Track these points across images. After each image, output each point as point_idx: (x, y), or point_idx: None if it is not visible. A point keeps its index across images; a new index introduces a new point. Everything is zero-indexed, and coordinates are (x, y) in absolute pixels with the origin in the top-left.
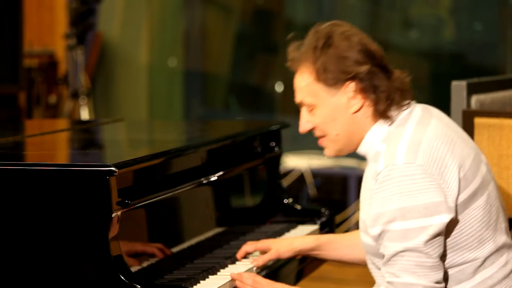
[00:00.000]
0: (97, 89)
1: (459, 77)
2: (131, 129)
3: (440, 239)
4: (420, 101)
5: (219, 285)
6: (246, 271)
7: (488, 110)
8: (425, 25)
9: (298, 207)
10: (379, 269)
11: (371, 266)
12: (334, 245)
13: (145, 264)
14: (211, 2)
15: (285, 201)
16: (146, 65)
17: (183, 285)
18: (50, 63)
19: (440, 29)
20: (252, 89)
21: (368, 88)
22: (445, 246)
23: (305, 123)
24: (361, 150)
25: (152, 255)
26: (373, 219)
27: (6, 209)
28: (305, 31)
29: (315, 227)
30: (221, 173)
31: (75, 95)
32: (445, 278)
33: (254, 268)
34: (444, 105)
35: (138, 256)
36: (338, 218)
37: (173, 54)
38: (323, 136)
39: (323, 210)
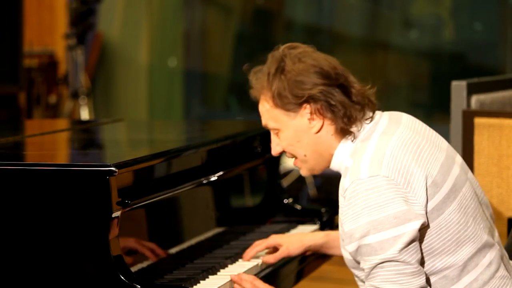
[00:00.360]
0: (97, 89)
1: (459, 77)
2: (131, 129)
3: (415, 245)
4: (420, 101)
5: (219, 285)
6: (249, 269)
7: (488, 110)
8: (425, 25)
9: (298, 207)
10: (363, 282)
11: (356, 279)
12: None
13: (145, 264)
14: (211, 2)
15: (285, 201)
16: (146, 65)
17: (183, 285)
18: (50, 63)
19: (440, 29)
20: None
21: (324, 108)
22: (423, 253)
23: (275, 146)
24: (333, 167)
25: (152, 255)
26: (347, 236)
27: (6, 209)
28: (305, 31)
29: (315, 227)
30: (221, 173)
31: (75, 95)
32: (430, 286)
33: (260, 264)
34: (444, 105)
35: (138, 256)
36: (338, 218)
37: (173, 54)
38: (294, 158)
39: (323, 210)
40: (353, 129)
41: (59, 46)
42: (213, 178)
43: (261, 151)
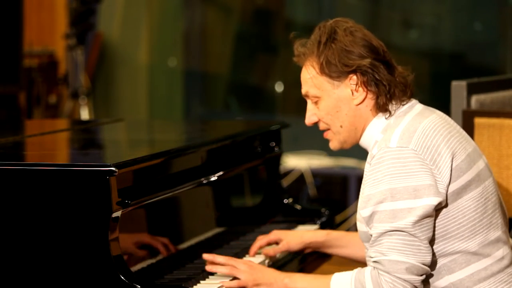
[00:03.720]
0: (97, 89)
1: (459, 77)
2: (131, 129)
3: (429, 221)
4: (420, 101)
5: (219, 285)
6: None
7: (488, 110)
8: (425, 25)
9: (298, 207)
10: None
11: (368, 259)
12: (344, 242)
13: (145, 264)
14: (211, 2)
15: (285, 201)
16: (146, 65)
17: (183, 285)
18: (50, 63)
19: (440, 29)
20: (252, 89)
21: (370, 81)
22: (436, 234)
23: (310, 115)
24: (363, 142)
25: (152, 255)
26: (364, 200)
27: (6, 209)
28: (305, 31)
29: (315, 227)
30: (221, 173)
31: (75, 95)
32: (437, 267)
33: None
34: (444, 105)
35: (138, 256)
36: (338, 218)
37: (173, 54)
38: (327, 129)
39: (323, 210)
40: (391, 107)
41: (59, 46)
42: (213, 178)
43: (261, 151)
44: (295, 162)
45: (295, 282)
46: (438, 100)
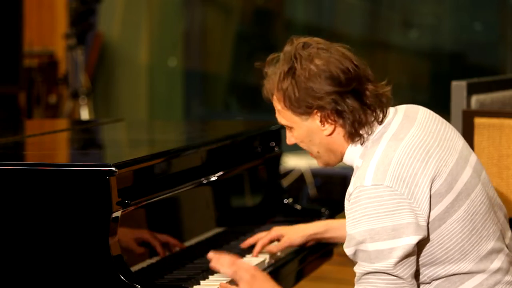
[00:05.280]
0: (97, 89)
1: (459, 77)
2: (131, 129)
3: (411, 259)
4: (420, 101)
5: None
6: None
7: (488, 110)
8: (425, 25)
9: (298, 207)
10: None
11: None
12: (344, 231)
13: (145, 264)
14: (211, 2)
15: (285, 201)
16: (146, 65)
17: (183, 285)
18: (50, 63)
19: (440, 29)
20: (252, 89)
21: (334, 114)
22: (425, 262)
23: (289, 137)
24: (346, 162)
25: (152, 255)
26: (347, 239)
27: (6, 209)
28: (305, 31)
29: None
30: (221, 173)
31: (75, 95)
32: None
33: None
34: (444, 105)
35: (138, 256)
36: (338, 218)
37: (173, 54)
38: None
39: (323, 210)
40: (363, 132)
41: (59, 46)
42: (213, 178)
43: (261, 151)
44: (295, 162)
45: None
46: (438, 100)
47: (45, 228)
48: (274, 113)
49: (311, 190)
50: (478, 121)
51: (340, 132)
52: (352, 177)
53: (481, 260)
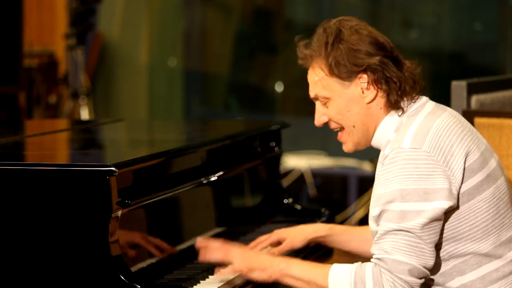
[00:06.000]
0: (97, 89)
1: (459, 77)
2: (131, 129)
3: (437, 225)
4: None
5: (219, 285)
6: None
7: (488, 110)
8: (425, 25)
9: (298, 207)
10: None
11: None
12: (346, 236)
13: (145, 264)
14: (211, 2)
15: (285, 201)
16: (146, 65)
17: (183, 285)
18: (50, 63)
19: (440, 29)
20: (252, 89)
21: (380, 79)
22: (447, 236)
23: (320, 116)
24: (375, 142)
25: (152, 255)
26: (375, 200)
27: (6, 209)
28: (305, 31)
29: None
30: (221, 173)
31: (75, 95)
32: (448, 269)
33: None
34: (444, 105)
35: (138, 256)
36: (338, 218)
37: (173, 54)
38: (338, 129)
39: (323, 210)
40: (403, 103)
41: (59, 46)
42: (213, 178)
43: (261, 151)
44: (295, 162)
45: (291, 268)
46: (438, 100)
47: (45, 228)
48: (275, 113)
49: (311, 190)
50: (478, 121)
51: (379, 102)
52: (382, 150)
53: (500, 245)
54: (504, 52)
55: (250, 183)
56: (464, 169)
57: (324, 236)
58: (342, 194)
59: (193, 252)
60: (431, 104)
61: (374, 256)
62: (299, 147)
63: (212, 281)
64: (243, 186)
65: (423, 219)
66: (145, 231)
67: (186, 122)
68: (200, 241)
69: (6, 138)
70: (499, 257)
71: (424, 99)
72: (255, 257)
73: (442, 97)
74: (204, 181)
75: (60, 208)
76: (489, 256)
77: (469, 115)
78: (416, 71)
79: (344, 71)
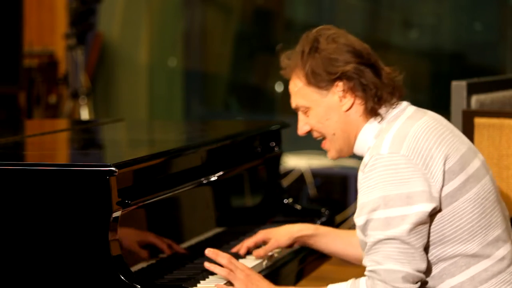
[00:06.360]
0: (97, 89)
1: (459, 77)
2: (131, 129)
3: (424, 228)
4: (420, 101)
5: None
6: (252, 268)
7: (488, 110)
8: (425, 25)
9: (298, 207)
10: None
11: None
12: (331, 238)
13: (145, 264)
14: (211, 2)
15: (285, 201)
16: (146, 65)
17: (183, 285)
18: (50, 63)
19: (440, 29)
20: (252, 89)
21: (356, 87)
22: (433, 239)
23: (302, 125)
24: (357, 149)
25: (152, 255)
26: (359, 209)
27: (6, 209)
28: (305, 31)
29: None
30: (221, 173)
31: (75, 95)
32: (438, 272)
33: (264, 263)
34: (444, 105)
35: (138, 256)
36: (338, 218)
37: (173, 54)
38: (322, 138)
39: (323, 210)
40: (381, 110)
41: (59, 46)
42: (213, 178)
43: (261, 151)
44: (295, 162)
45: None
46: (438, 100)
47: (45, 228)
48: (275, 113)
49: (311, 190)
50: (478, 121)
51: (358, 110)
52: (361, 166)
53: (488, 245)
54: (504, 52)
55: (250, 183)
56: (444, 171)
57: (309, 236)
58: (342, 194)
59: (193, 252)
60: (411, 109)
61: (367, 269)
62: (299, 147)
63: (212, 281)
64: (243, 186)
65: (408, 224)
66: (145, 231)
67: (186, 122)
68: (208, 251)
69: (6, 138)
70: (487, 256)
71: (404, 104)
72: (256, 282)
73: (442, 97)
74: (204, 181)
75: (60, 208)
76: (477, 257)
77: (469, 115)
78: (397, 78)
79: (320, 80)
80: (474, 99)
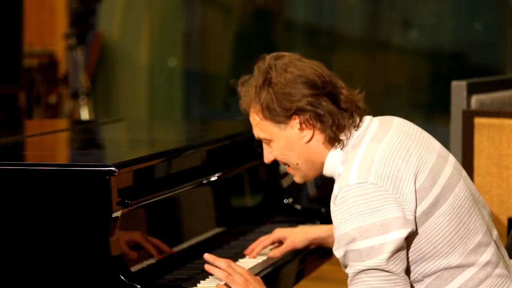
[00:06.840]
0: (97, 89)
1: (459, 77)
2: (131, 129)
3: (402, 254)
4: (420, 101)
5: None
6: (251, 268)
7: (488, 110)
8: (425, 25)
9: (298, 207)
10: None
11: None
12: None
13: (145, 264)
14: (211, 2)
15: (285, 201)
16: (146, 65)
17: (183, 285)
18: (50, 63)
19: (440, 29)
20: None
21: (313, 118)
22: (414, 258)
23: (267, 154)
24: (326, 173)
25: (152, 255)
26: (336, 241)
27: (6, 209)
28: (305, 31)
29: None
30: (221, 173)
31: (75, 95)
32: (424, 287)
33: (262, 262)
34: (444, 105)
35: (138, 256)
36: None
37: (173, 54)
38: (287, 165)
39: (323, 210)
40: (342, 137)
41: (59, 46)
42: (213, 178)
43: (261, 151)
44: None
45: None
46: (438, 100)
47: (45, 228)
48: None
49: (311, 190)
50: (478, 121)
51: (319, 139)
52: (335, 184)
53: (470, 253)
54: (504, 52)
55: (250, 183)
56: (415, 191)
57: (325, 238)
58: None
59: (193, 252)
60: (374, 125)
61: None
62: None
63: (212, 281)
64: (243, 186)
65: (386, 253)
66: (145, 231)
67: (186, 122)
68: (206, 256)
69: (6, 138)
70: (471, 264)
71: (367, 121)
72: (255, 286)
73: (442, 97)
74: (204, 181)
75: (60, 208)
76: (461, 267)
77: (469, 115)
78: (357, 97)
79: (276, 114)
80: (474, 99)
